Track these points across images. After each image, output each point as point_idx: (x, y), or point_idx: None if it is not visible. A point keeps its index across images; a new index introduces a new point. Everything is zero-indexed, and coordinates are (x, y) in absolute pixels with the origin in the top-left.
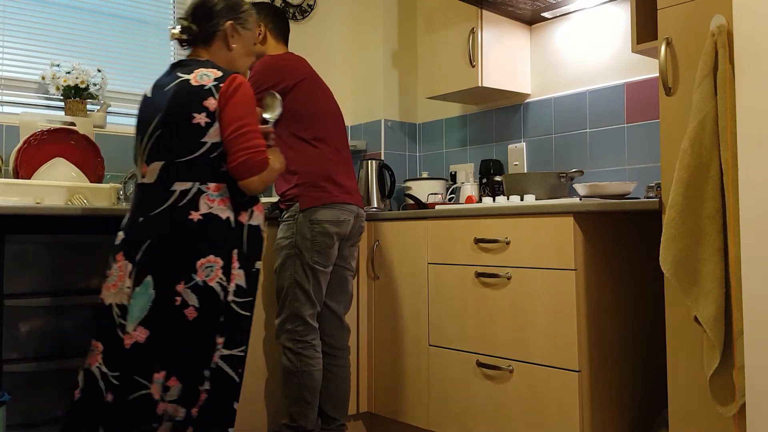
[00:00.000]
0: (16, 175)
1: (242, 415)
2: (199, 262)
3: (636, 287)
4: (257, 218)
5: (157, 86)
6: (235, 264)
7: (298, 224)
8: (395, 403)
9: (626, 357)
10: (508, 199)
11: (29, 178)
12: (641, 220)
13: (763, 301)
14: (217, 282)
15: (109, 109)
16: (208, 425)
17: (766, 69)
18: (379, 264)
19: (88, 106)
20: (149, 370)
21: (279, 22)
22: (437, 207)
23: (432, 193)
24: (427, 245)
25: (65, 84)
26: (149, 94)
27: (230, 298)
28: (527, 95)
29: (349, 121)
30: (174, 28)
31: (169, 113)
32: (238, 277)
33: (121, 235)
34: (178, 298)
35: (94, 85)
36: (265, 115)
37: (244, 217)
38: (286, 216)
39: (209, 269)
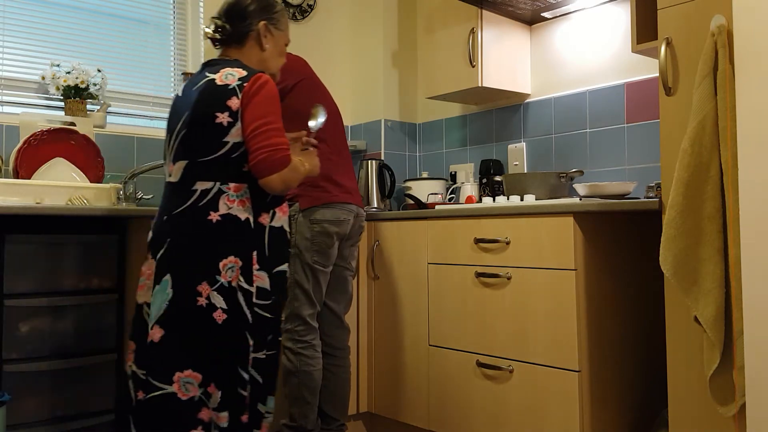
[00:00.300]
0: (16, 175)
1: None
2: (221, 263)
3: (636, 287)
4: (280, 220)
5: (187, 86)
6: (256, 266)
7: (297, 224)
8: (395, 403)
9: (626, 357)
10: (508, 199)
11: (29, 178)
12: (641, 220)
13: (763, 301)
14: (238, 283)
15: (109, 109)
16: (233, 426)
17: (766, 69)
18: (379, 264)
19: (88, 106)
20: (169, 370)
21: None
22: (437, 207)
23: (432, 193)
24: (427, 245)
25: (65, 84)
26: (180, 94)
27: (254, 300)
28: (527, 95)
29: (349, 121)
30: (207, 27)
31: (194, 113)
32: (260, 279)
33: (150, 234)
34: (201, 299)
35: (94, 85)
36: (310, 123)
37: (265, 219)
38: None
39: (231, 270)
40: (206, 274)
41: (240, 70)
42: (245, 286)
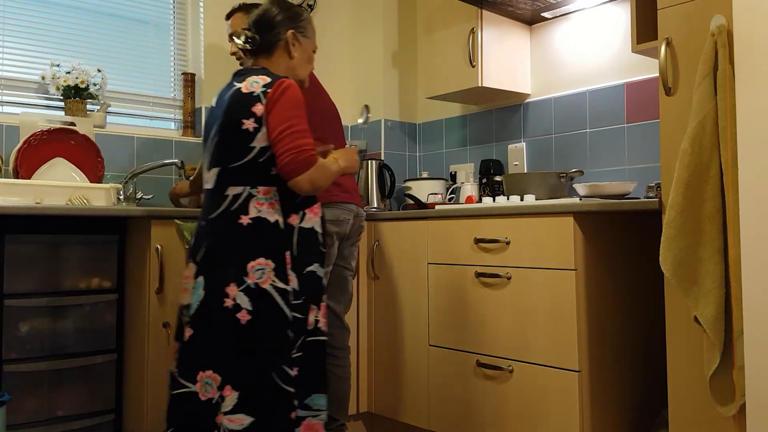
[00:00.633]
0: (16, 175)
1: None
2: (249, 265)
3: (636, 287)
4: (310, 221)
5: (219, 96)
6: (290, 266)
7: None
8: (395, 403)
9: (626, 357)
10: (508, 199)
11: (29, 178)
12: (641, 220)
13: (763, 301)
14: (271, 284)
15: (109, 109)
16: (259, 426)
17: (766, 69)
18: (379, 264)
19: (88, 106)
20: (194, 368)
21: None
22: (437, 207)
23: (432, 193)
24: (427, 245)
25: (65, 84)
26: (213, 104)
27: (291, 300)
28: (527, 95)
29: (349, 121)
30: (238, 38)
31: (224, 121)
32: (292, 280)
33: (192, 239)
34: (228, 300)
35: (94, 85)
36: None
37: (294, 220)
38: None
39: (260, 272)
40: (235, 275)
41: (264, 77)
42: (281, 285)
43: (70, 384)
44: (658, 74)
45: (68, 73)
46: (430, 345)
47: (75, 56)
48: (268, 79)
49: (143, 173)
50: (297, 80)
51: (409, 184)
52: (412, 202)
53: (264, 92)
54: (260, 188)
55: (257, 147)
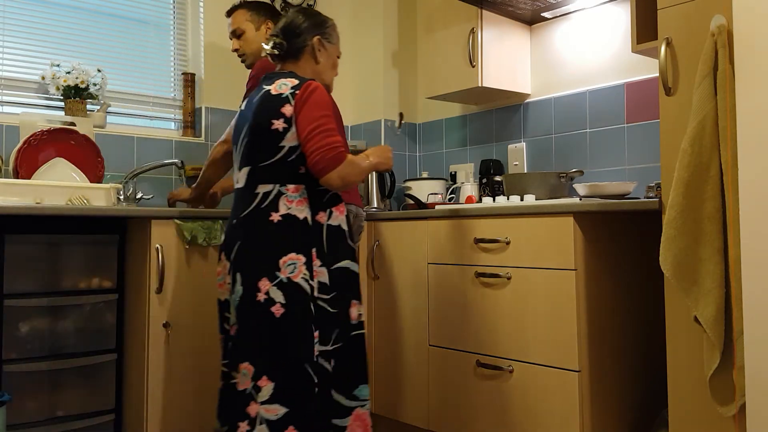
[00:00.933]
0: (16, 175)
1: None
2: (281, 260)
3: (636, 287)
4: (337, 218)
5: (249, 99)
6: (316, 261)
7: None
8: (395, 403)
9: (626, 357)
10: (508, 199)
11: (29, 178)
12: (641, 220)
13: (763, 301)
14: (302, 277)
15: (109, 109)
16: (293, 416)
17: (766, 69)
18: (379, 264)
19: (88, 106)
20: (237, 361)
21: None
22: (437, 207)
23: (432, 193)
24: (427, 245)
25: (65, 84)
26: (243, 107)
27: (316, 294)
28: (527, 95)
29: (349, 121)
30: (266, 44)
31: (254, 122)
32: (321, 274)
33: (223, 236)
34: (260, 295)
35: (94, 85)
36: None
37: (322, 217)
38: None
39: (292, 266)
40: (267, 270)
41: (293, 79)
42: (309, 281)
43: (70, 384)
44: (658, 74)
45: (68, 73)
46: (430, 345)
47: (75, 56)
48: (296, 81)
49: (143, 173)
50: (323, 85)
51: (409, 184)
52: (412, 202)
53: (292, 94)
54: (289, 186)
55: (287, 146)
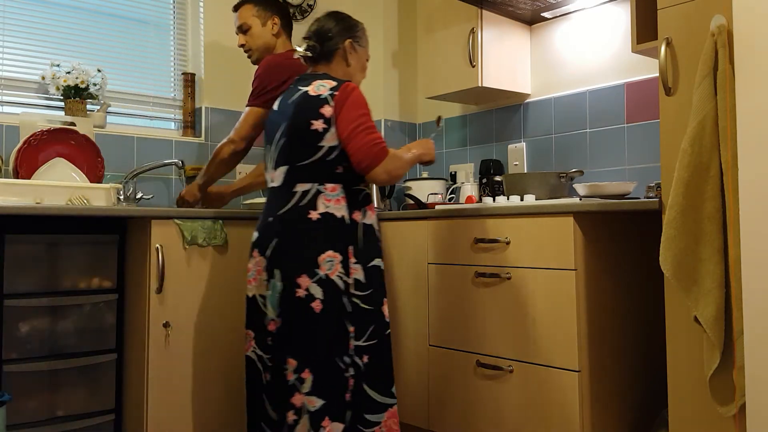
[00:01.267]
0: (16, 175)
1: (241, 412)
2: (320, 258)
3: (636, 287)
4: (370, 218)
5: (282, 100)
6: (352, 259)
7: None
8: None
9: (626, 357)
10: (508, 199)
11: (29, 178)
12: (641, 220)
13: (763, 301)
14: (338, 275)
15: (109, 109)
16: (329, 408)
17: (766, 69)
18: None
19: (88, 106)
20: (282, 355)
21: (287, 19)
22: (437, 207)
23: (432, 193)
24: (427, 245)
25: (65, 84)
26: (276, 108)
27: (351, 290)
28: (527, 95)
29: None
30: (299, 47)
31: (291, 122)
32: (356, 271)
33: (255, 234)
34: (300, 291)
35: (94, 85)
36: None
37: (357, 216)
38: None
39: (330, 263)
40: (306, 267)
41: (330, 81)
42: (344, 278)
43: (70, 384)
44: (658, 74)
45: (68, 73)
46: (430, 345)
47: (75, 56)
48: (334, 83)
49: (143, 173)
50: None
51: (409, 184)
52: (412, 202)
53: (331, 95)
54: (328, 185)
55: (326, 146)
